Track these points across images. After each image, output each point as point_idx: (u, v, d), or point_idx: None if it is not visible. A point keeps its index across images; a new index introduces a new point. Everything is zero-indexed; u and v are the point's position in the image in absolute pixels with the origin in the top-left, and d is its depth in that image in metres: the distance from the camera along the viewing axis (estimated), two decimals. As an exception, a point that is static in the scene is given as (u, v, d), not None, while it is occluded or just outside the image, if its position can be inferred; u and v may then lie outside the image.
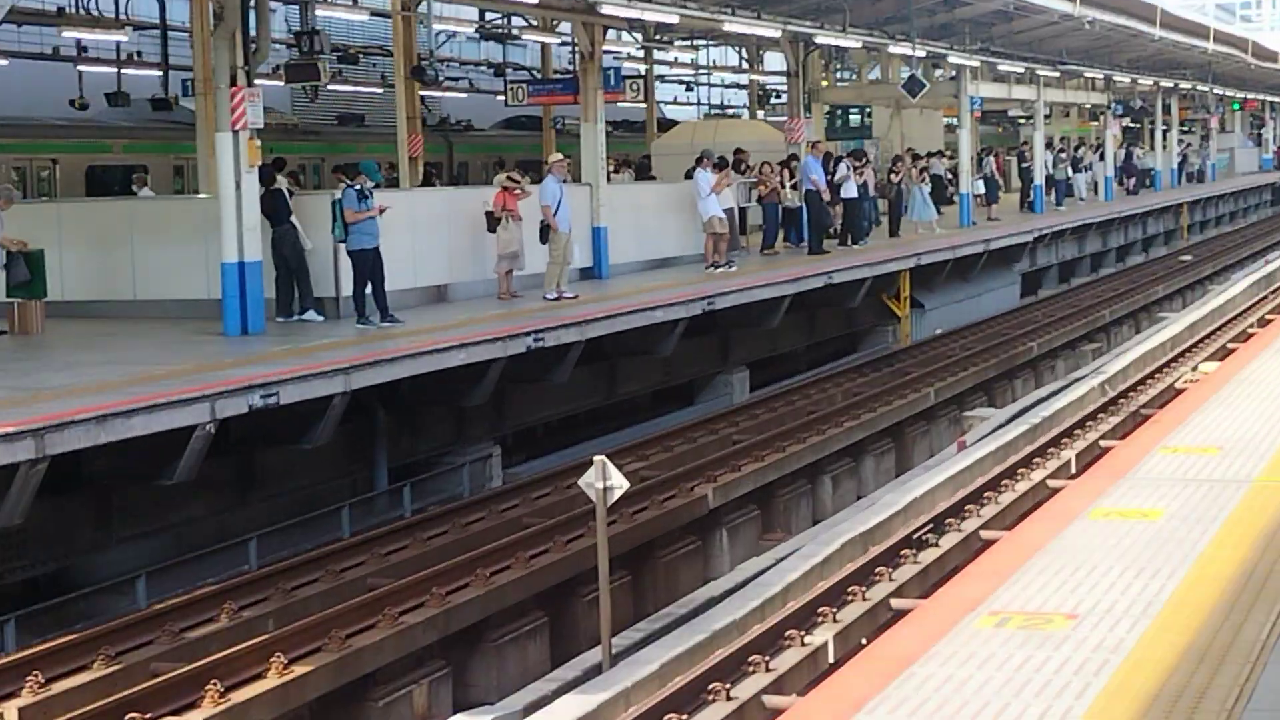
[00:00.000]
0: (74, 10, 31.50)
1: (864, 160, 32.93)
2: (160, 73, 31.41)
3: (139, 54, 35.14)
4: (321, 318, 19.91)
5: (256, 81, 18.88)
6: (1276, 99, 78.80)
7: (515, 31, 37.91)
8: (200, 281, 20.27)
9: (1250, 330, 24.70)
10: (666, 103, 55.87)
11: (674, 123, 46.25)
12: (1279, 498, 11.22)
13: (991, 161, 43.51)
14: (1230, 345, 23.14)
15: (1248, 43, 58.37)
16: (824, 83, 41.96)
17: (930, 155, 42.21)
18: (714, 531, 17.70)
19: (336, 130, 38.23)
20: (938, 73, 41.16)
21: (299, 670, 11.87)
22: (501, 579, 14.25)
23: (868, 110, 46.52)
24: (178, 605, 13.50)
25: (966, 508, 14.99)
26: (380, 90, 41.44)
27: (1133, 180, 56.62)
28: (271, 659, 11.85)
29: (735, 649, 11.03)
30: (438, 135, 38.94)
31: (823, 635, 11.50)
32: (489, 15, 37.57)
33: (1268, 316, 26.34)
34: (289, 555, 15.76)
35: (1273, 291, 31.06)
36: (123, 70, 33.95)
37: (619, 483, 11.96)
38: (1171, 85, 59.22)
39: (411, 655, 13.07)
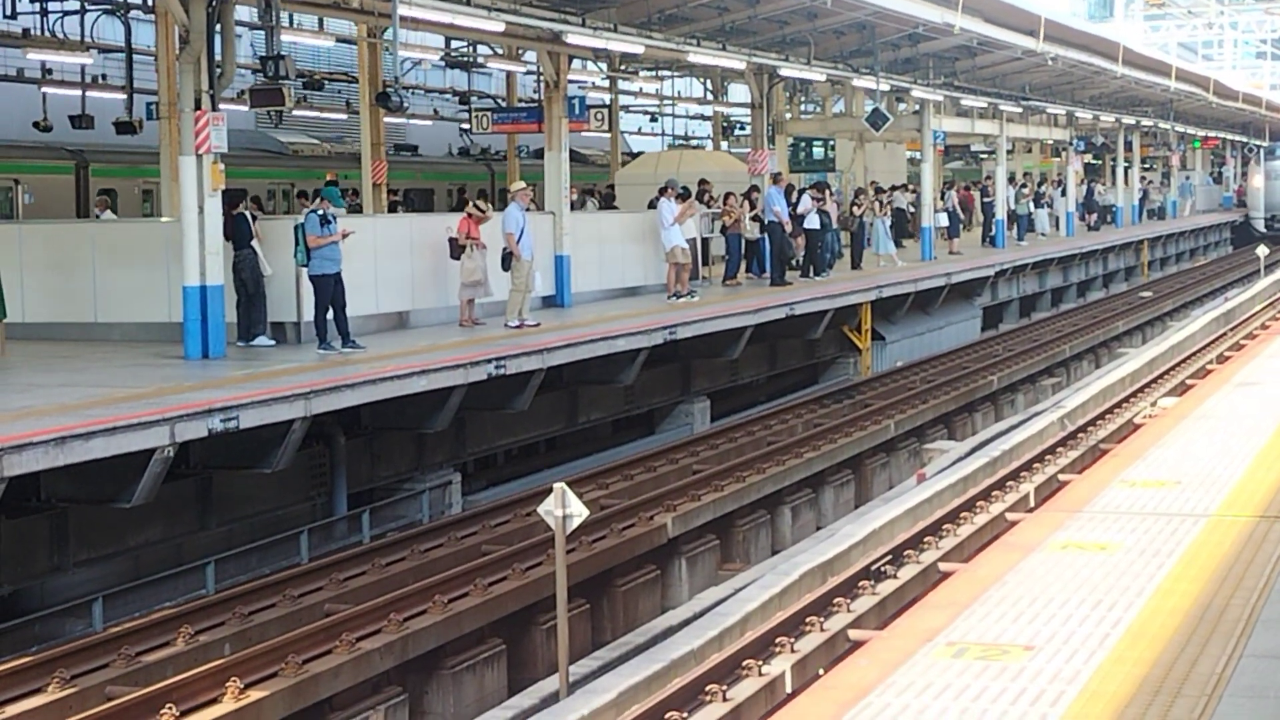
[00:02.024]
0: (39, 33, 31.42)
1: (826, 192, 33.04)
2: (125, 96, 31.33)
3: (104, 76, 35.03)
4: (273, 343, 19.79)
5: (221, 106, 18.87)
6: (1237, 137, 79.27)
7: (480, 60, 37.94)
8: (161, 305, 20.22)
9: (1209, 366, 24.83)
10: (631, 133, 55.97)
11: (633, 155, 46.82)
12: (1235, 532, 11.28)
13: (953, 195, 43.69)
14: (1189, 381, 23.25)
15: (1209, 81, 58.77)
16: (788, 115, 42.10)
17: (893, 189, 42.38)
18: (673, 561, 17.70)
19: (394, 158, 40.75)
20: (901, 106, 41.35)
21: (255, 695, 11.83)
22: (460, 606, 14.22)
23: (831, 143, 46.64)
24: (134, 629, 13.44)
25: (925, 539, 15.02)
26: (431, 123, 45.81)
27: (1094, 216, 56.92)
28: (228, 683, 11.80)
29: (693, 678, 11.01)
30: (481, 164, 43.43)
31: (780, 665, 11.49)
32: (454, 43, 37.57)
33: (1226, 353, 26.48)
34: (247, 580, 15.72)
35: (1231, 329, 31.24)
36: (87, 93, 33.88)
37: (578, 511, 11.94)
38: (1133, 122, 59.57)
39: (368, 681, 13.03)
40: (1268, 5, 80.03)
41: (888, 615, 12.79)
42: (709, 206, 30.46)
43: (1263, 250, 47.20)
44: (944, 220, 41.48)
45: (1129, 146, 61.38)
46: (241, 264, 19.65)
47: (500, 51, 33.76)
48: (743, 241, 30.48)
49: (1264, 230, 70.49)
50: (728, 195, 30.32)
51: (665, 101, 55.36)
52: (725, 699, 10.78)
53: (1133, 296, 47.30)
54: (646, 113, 57.56)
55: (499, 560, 15.68)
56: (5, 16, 30.43)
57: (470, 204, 23.19)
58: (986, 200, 46.75)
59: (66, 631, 14.26)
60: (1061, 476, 17.07)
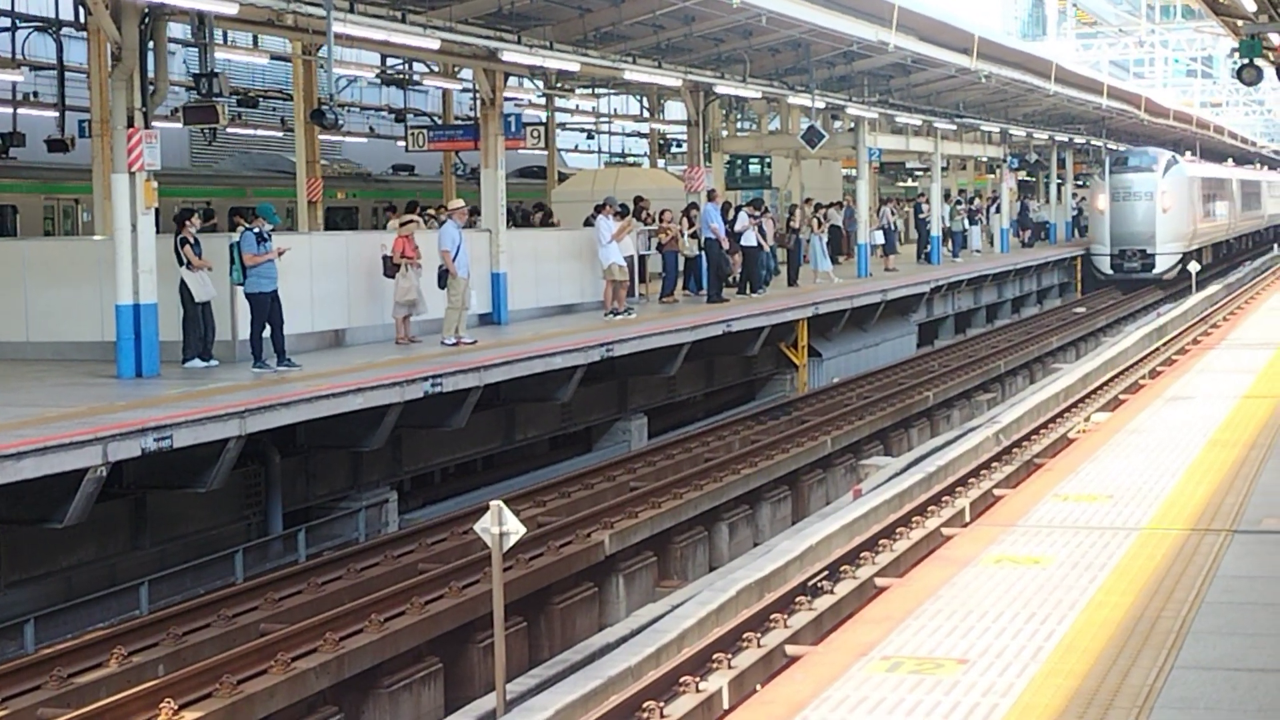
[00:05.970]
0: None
1: (763, 210, 33.14)
2: (57, 113, 31.16)
3: (35, 94, 34.80)
4: (202, 364, 19.55)
5: (154, 124, 18.77)
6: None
7: (416, 77, 37.87)
8: (95, 324, 20.07)
9: (1141, 381, 24.98)
10: (567, 150, 55.95)
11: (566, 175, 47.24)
12: (1167, 545, 11.35)
13: (888, 211, 43.90)
14: (1122, 396, 23.41)
15: (1141, 99, 59.22)
16: (724, 132, 42.21)
17: (830, 206, 42.51)
18: (610, 578, 17.69)
19: (395, 178, 43.96)
20: (837, 124, 41.51)
21: (189, 716, 11.74)
22: (396, 624, 14.17)
23: (767, 160, 46.76)
24: (67, 650, 13.33)
25: (861, 555, 15.07)
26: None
27: (1028, 233, 57.26)
28: (162, 705, 11.72)
29: (630, 695, 11.00)
30: (473, 182, 44.91)
31: (717, 681, 11.50)
32: (390, 60, 37.49)
33: (1158, 368, 26.67)
34: (181, 600, 15.61)
35: (1164, 344, 31.48)
36: (18, 110, 33.65)
37: (515, 528, 11.91)
38: (1066, 140, 60.00)
39: (304, 701, 12.96)
40: (1197, 24, 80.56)
41: (824, 630, 12.82)
42: (646, 224, 30.51)
43: (1194, 266, 47.47)
44: (880, 237, 41.69)
45: (1062, 163, 61.85)
46: (181, 286, 19.45)
47: (436, 69, 33.71)
48: (680, 258, 30.54)
49: (1110, 272, 53.34)
50: (663, 212, 30.38)
51: (602, 119, 55.38)
52: (663, 715, 10.78)
53: (1066, 312, 47.61)
54: (583, 130, 57.58)
55: (435, 578, 15.63)
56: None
57: (400, 222, 23.15)
58: (921, 217, 47.00)
59: (-2, 653, 14.14)
60: (996, 491, 17.15)
